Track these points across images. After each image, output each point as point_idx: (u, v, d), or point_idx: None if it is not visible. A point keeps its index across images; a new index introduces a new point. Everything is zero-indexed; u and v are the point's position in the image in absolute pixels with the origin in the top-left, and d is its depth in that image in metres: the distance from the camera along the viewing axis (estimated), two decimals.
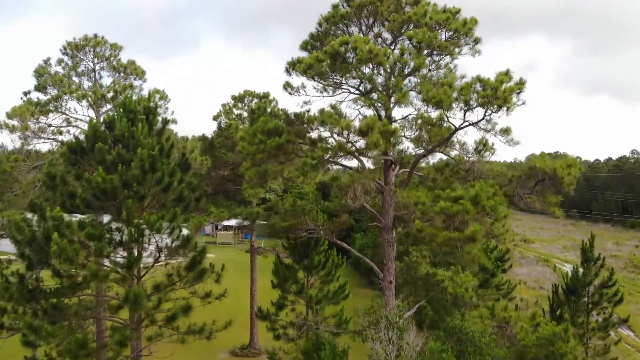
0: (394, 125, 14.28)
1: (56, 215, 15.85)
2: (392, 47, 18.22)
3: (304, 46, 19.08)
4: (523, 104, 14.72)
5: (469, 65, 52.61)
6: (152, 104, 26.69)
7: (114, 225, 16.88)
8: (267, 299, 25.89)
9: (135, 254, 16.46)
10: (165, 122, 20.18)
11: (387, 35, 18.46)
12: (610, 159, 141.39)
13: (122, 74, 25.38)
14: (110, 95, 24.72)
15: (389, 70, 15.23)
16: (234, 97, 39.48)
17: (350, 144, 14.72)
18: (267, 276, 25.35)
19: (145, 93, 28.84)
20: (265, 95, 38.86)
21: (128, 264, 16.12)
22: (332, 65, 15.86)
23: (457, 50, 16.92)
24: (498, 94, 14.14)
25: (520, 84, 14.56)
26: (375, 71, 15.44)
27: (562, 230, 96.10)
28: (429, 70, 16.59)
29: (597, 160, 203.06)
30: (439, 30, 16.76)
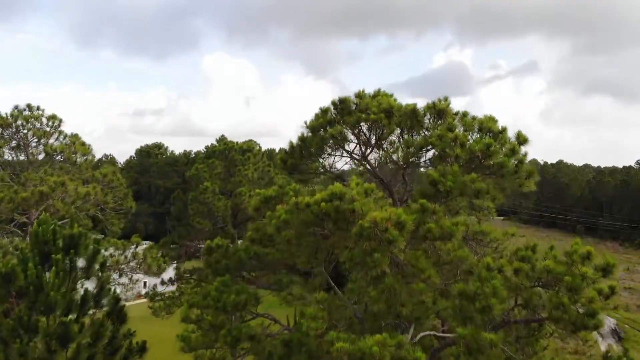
0: (417, 351, 8.92)
1: None
2: (405, 171, 12.72)
3: (282, 163, 13.58)
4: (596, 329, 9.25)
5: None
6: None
7: None
8: None
9: None
10: (97, 251, 14.67)
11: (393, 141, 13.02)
12: (615, 168, 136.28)
13: (60, 157, 19.83)
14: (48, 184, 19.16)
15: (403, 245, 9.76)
16: (214, 149, 33.96)
17: None
18: None
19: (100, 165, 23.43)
20: (249, 147, 33.33)
21: None
22: (319, 224, 10.40)
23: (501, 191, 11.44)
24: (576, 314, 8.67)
25: (613, 292, 9.14)
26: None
27: None
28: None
29: (599, 166, 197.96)
30: (475, 161, 11.25)
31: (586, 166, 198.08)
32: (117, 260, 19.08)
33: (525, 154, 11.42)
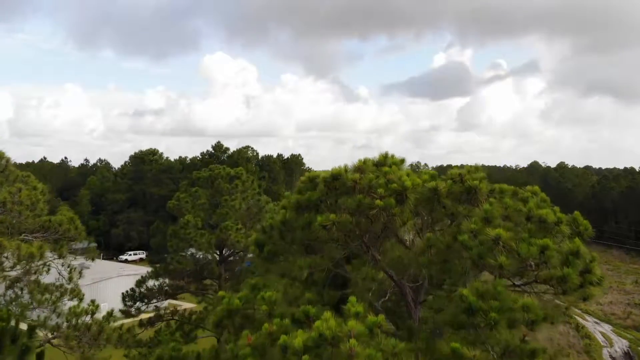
0: None
1: None
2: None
3: (258, 248, 10.14)
4: None
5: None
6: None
7: None
8: None
9: None
10: (26, 349, 11.81)
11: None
12: (617, 170, 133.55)
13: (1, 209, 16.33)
14: None
15: None
16: (198, 176, 30.44)
17: None
18: None
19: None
20: (238, 173, 29.85)
21: None
22: None
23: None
24: None
25: None
26: None
27: None
28: None
29: (600, 168, 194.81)
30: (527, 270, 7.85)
31: (588, 168, 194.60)
32: (67, 334, 15.70)
33: (594, 259, 7.99)
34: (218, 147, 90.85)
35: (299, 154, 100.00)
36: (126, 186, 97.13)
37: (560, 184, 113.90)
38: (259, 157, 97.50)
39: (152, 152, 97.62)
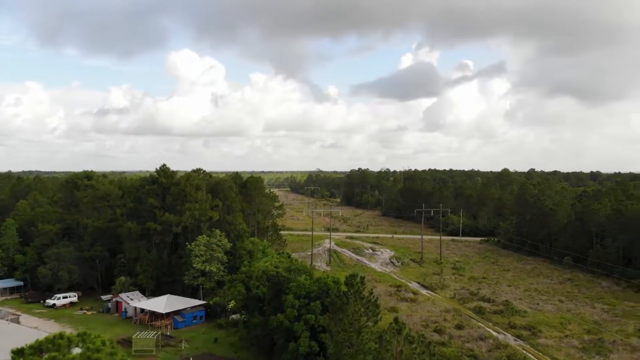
0: None
1: None
2: None
3: None
4: None
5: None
6: None
7: None
8: None
9: None
10: None
11: None
12: (598, 189, 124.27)
13: None
14: None
15: None
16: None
17: None
18: None
19: None
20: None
21: None
22: None
23: None
24: None
25: None
26: None
27: (562, 295, 76.64)
28: None
29: (567, 173, 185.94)
30: None
31: (556, 173, 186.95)
32: None
33: None
34: (163, 171, 75.63)
35: (259, 176, 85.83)
36: (57, 215, 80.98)
37: (539, 202, 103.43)
38: (211, 180, 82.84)
39: (87, 176, 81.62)
